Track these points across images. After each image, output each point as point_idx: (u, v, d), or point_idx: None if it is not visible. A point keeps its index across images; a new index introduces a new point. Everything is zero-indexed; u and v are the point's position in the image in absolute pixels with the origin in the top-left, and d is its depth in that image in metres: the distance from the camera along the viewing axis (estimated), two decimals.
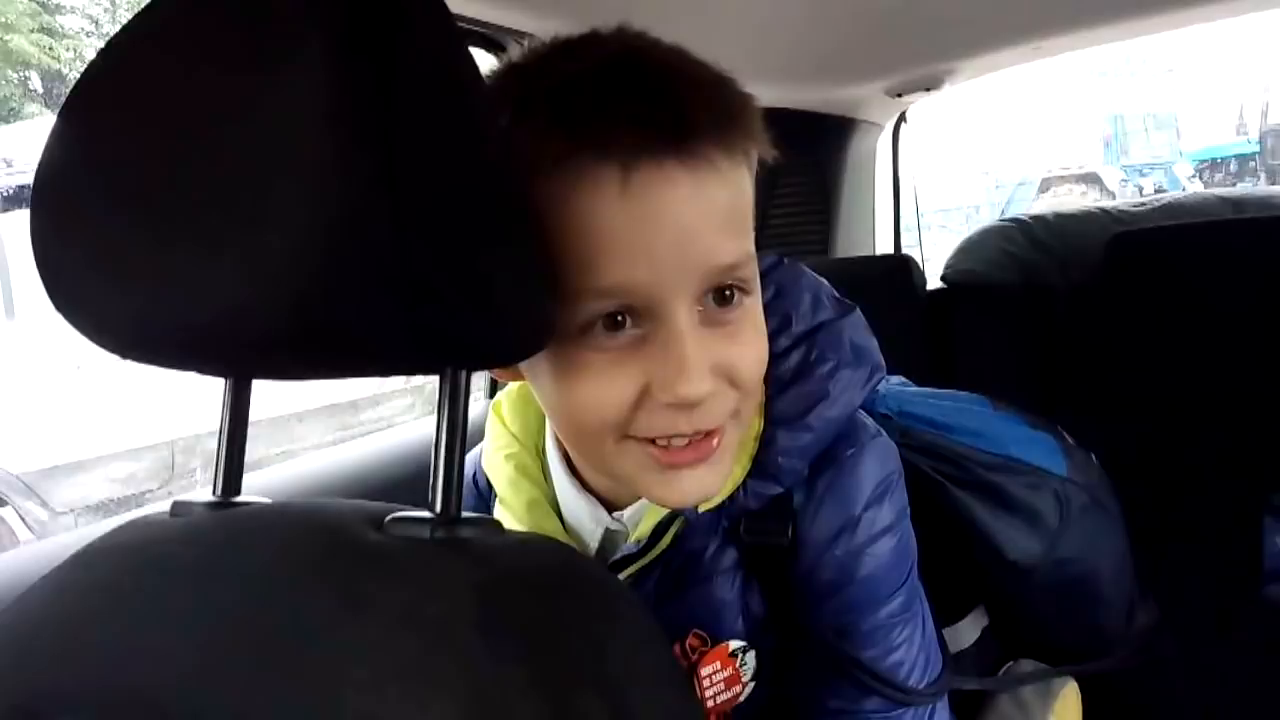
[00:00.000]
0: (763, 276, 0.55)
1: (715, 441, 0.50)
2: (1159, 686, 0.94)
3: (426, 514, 0.37)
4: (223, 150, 0.33)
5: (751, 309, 0.51)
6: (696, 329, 0.47)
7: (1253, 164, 12.89)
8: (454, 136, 0.34)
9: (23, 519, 2.93)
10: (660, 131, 0.44)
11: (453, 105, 0.34)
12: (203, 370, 0.42)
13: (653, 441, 0.49)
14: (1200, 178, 12.89)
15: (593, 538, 0.60)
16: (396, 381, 4.05)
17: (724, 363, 0.49)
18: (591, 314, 0.46)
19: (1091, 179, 12.35)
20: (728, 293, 0.49)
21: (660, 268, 0.46)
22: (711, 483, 0.51)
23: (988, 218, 3.04)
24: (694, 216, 0.46)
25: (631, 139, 0.44)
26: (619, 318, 0.47)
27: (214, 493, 0.43)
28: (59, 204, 0.37)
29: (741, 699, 0.58)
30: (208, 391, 0.43)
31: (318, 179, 0.31)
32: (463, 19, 1.05)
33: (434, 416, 0.39)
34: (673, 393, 0.46)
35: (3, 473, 2.93)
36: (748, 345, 0.51)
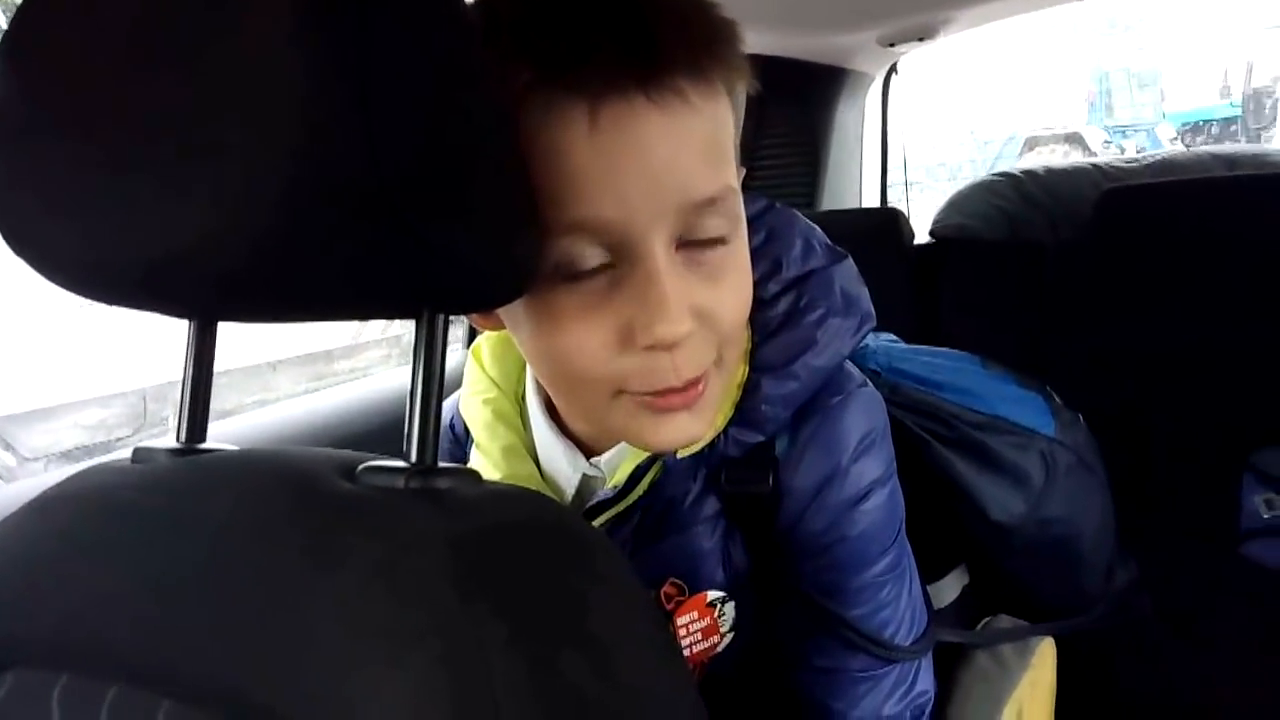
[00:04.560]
0: (754, 221, 0.53)
1: (700, 387, 0.49)
2: (1137, 643, 0.95)
3: (401, 464, 0.36)
4: (180, 76, 0.30)
5: (735, 249, 0.49)
6: (675, 268, 0.46)
7: (1234, 127, 12.90)
8: (433, 60, 0.32)
9: None
10: (628, 67, 0.42)
11: (432, 27, 0.32)
12: (164, 311, 0.40)
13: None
14: (1182, 140, 12.86)
15: (569, 484, 0.59)
16: (373, 331, 4.02)
17: (704, 305, 0.47)
18: (564, 252, 0.44)
19: (1075, 139, 12.31)
20: (709, 228, 0.47)
21: (633, 205, 0.44)
22: (695, 429, 0.50)
23: (973, 176, 3.01)
24: (666, 153, 0.44)
25: (599, 75, 0.42)
26: (594, 257, 0.45)
27: (177, 439, 0.42)
28: (6, 139, 0.34)
29: (719, 650, 0.57)
30: (180, 339, 0.41)
31: (283, 104, 0.29)
32: None
33: (408, 367, 0.37)
34: (651, 333, 0.45)
35: None
36: (730, 289, 0.49)
